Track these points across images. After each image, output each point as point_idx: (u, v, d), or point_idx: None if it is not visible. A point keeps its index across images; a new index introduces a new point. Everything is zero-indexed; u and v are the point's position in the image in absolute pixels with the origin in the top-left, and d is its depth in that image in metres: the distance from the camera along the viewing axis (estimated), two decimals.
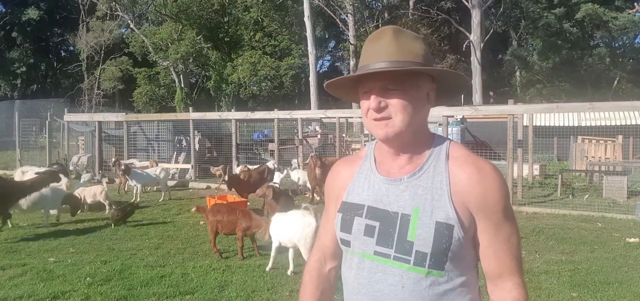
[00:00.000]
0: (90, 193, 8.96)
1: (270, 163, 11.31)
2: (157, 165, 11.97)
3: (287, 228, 5.17)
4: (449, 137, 1.45)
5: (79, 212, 8.26)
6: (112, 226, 7.59)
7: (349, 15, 29.18)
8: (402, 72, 1.23)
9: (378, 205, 1.27)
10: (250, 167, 11.08)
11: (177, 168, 13.43)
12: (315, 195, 9.83)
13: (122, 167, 10.64)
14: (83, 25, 36.16)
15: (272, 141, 14.05)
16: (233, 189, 9.33)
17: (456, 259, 1.20)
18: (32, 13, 40.99)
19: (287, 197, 7.72)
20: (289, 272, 5.17)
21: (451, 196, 1.21)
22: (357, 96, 1.35)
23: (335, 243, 1.42)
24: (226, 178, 9.17)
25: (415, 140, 1.28)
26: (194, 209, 6.65)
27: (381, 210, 1.26)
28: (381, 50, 1.24)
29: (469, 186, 1.21)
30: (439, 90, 1.32)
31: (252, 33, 34.42)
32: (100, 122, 14.34)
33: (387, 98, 1.23)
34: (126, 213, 7.86)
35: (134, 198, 10.18)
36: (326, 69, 45.24)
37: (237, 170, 11.14)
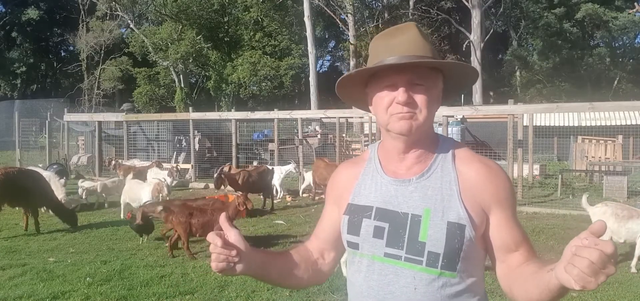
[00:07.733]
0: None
1: (291, 166, 11.16)
2: (157, 164, 11.97)
3: None
4: (449, 137, 1.41)
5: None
6: (143, 240, 6.88)
7: (349, 15, 29.13)
8: (427, 68, 1.23)
9: (387, 207, 1.25)
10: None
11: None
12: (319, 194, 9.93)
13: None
14: (83, 25, 36.11)
15: (272, 141, 14.05)
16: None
17: (467, 259, 1.20)
18: (32, 13, 40.95)
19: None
20: None
21: (461, 195, 1.21)
22: (363, 99, 1.34)
23: (327, 240, 1.41)
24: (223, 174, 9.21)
25: (425, 139, 1.28)
26: (159, 209, 6.27)
27: (391, 211, 1.24)
28: (407, 43, 1.22)
29: (479, 182, 1.22)
30: (444, 89, 1.31)
31: (252, 33, 34.39)
32: (100, 122, 14.34)
33: (413, 93, 1.21)
34: (146, 227, 6.78)
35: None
36: (326, 69, 45.18)
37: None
